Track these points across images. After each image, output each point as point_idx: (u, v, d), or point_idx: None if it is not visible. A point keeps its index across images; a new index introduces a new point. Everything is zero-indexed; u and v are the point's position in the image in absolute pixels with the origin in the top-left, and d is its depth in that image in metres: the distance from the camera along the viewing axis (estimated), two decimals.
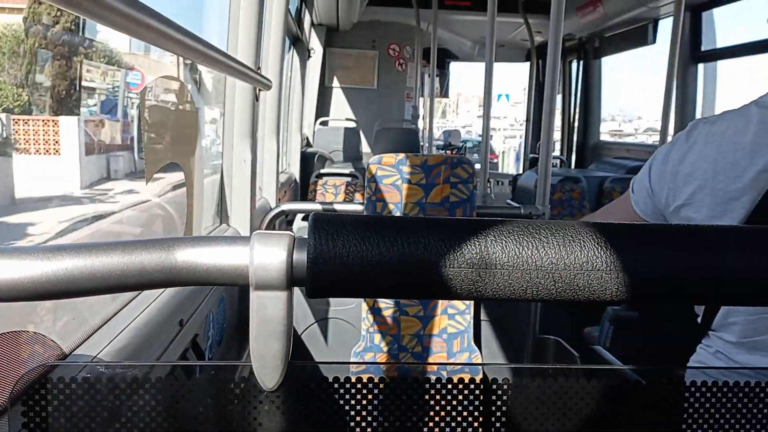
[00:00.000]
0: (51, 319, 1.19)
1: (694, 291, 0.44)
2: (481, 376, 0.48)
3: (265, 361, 0.45)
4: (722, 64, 4.03)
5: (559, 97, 6.31)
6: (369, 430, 0.48)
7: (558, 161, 5.96)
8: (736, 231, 0.45)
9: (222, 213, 2.00)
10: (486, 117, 2.86)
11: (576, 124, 6.04)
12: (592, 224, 0.45)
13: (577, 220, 0.46)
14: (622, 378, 0.49)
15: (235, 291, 1.85)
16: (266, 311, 0.44)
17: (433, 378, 0.48)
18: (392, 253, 0.43)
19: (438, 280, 0.43)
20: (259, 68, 1.89)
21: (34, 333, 0.95)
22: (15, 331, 0.91)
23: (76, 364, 0.78)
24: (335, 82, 7.05)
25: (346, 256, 0.42)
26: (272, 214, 2.19)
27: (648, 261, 0.43)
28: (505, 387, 0.47)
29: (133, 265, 0.42)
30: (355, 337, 2.03)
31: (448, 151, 9.85)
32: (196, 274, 0.43)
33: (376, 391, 0.47)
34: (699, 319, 1.22)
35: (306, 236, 0.44)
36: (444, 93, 9.90)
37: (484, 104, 2.86)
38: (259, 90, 1.94)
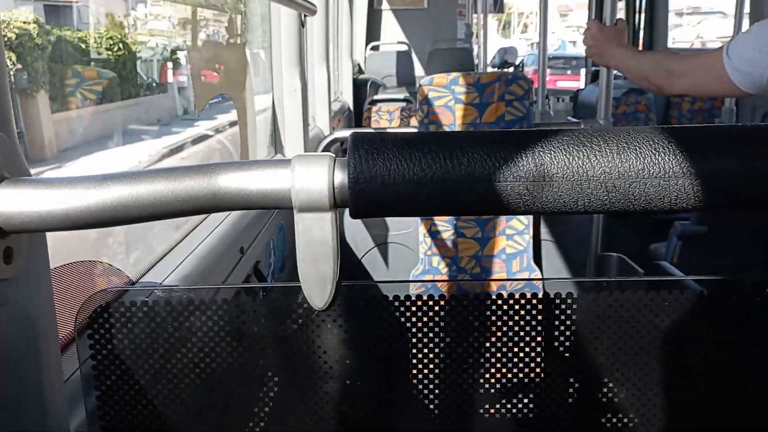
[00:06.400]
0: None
1: (759, 197, 0.41)
2: (542, 292, 0.47)
3: (313, 281, 0.45)
4: None
5: (622, 6, 5.91)
6: (430, 345, 0.48)
7: None
8: None
9: (276, 143, 2.01)
10: (543, 29, 2.72)
11: (642, 32, 5.67)
12: (650, 129, 0.42)
13: (632, 127, 0.43)
14: (686, 289, 0.47)
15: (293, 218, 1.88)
16: (311, 233, 0.44)
17: (493, 295, 0.47)
18: (434, 170, 0.41)
19: (483, 195, 0.42)
20: None
21: (108, 264, 1.00)
22: (88, 261, 0.96)
23: (139, 289, 0.82)
24: (384, 5, 6.84)
25: (386, 175, 0.41)
26: (326, 141, 2.19)
27: (709, 165, 0.40)
28: (567, 302, 0.47)
29: (177, 192, 0.43)
30: (414, 261, 2.05)
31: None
32: (240, 199, 0.43)
33: (436, 308, 0.48)
34: None
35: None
36: (498, 8, 9.43)
37: (540, 17, 2.71)
38: (305, 16, 1.90)
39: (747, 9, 2.97)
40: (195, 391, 0.49)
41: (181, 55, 2.20)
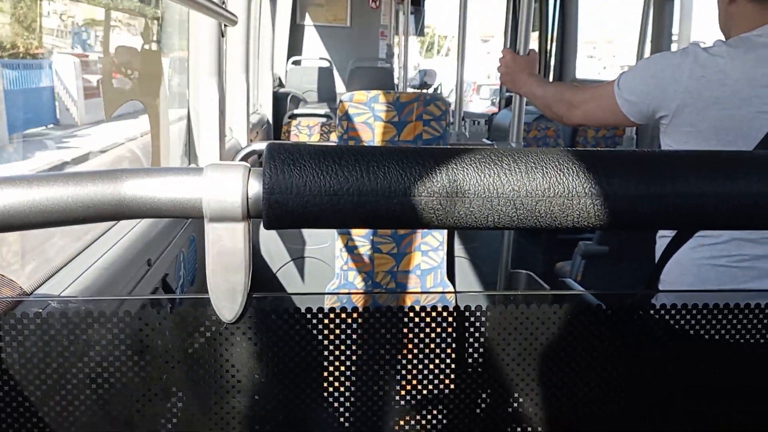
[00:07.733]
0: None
1: (655, 217, 0.44)
2: (454, 305, 0.48)
3: (223, 293, 0.44)
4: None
5: (536, 35, 6.21)
6: (342, 358, 0.48)
7: None
8: (696, 156, 0.45)
9: (190, 153, 1.95)
10: (461, 54, 2.81)
11: (552, 63, 5.97)
12: (556, 151, 0.45)
13: (540, 148, 0.45)
14: (585, 303, 0.50)
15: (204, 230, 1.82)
16: (222, 243, 0.43)
17: (407, 308, 0.48)
18: (350, 182, 0.42)
19: (398, 209, 0.42)
20: (224, 2, 1.81)
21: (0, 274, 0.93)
22: None
23: (33, 300, 0.77)
24: (307, 20, 6.84)
25: (302, 186, 0.41)
26: (243, 153, 2.16)
27: (610, 187, 0.43)
28: (478, 314, 0.48)
29: (80, 197, 0.40)
30: (330, 276, 2.05)
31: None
32: (147, 206, 0.42)
33: (349, 320, 0.48)
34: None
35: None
36: (419, 32, 9.66)
37: (459, 41, 2.81)
38: (225, 26, 1.87)
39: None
40: (92, 407, 0.46)
41: None
